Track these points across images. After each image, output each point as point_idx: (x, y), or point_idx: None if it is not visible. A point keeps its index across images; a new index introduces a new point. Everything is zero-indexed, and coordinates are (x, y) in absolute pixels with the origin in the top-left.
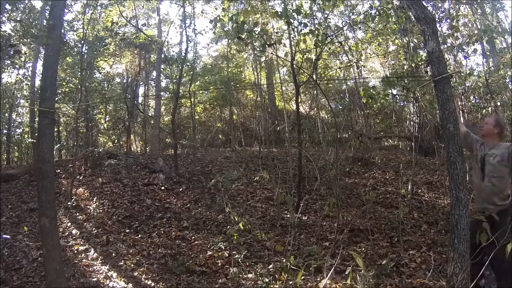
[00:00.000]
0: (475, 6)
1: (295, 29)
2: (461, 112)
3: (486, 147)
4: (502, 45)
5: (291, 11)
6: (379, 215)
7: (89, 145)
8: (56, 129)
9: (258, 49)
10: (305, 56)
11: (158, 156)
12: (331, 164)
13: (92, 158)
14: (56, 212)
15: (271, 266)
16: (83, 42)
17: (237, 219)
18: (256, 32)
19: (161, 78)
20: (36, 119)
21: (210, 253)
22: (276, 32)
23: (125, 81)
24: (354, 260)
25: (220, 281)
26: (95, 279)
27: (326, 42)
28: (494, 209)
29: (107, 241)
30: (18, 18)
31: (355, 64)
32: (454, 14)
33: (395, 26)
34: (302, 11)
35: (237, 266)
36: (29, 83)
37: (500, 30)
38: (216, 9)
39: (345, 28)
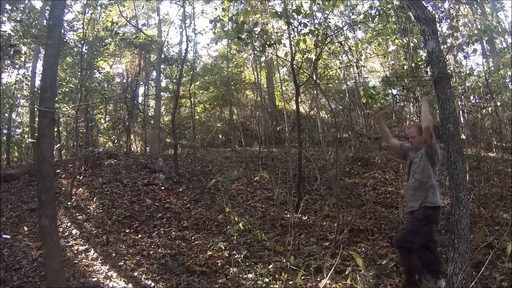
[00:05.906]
0: (475, 6)
1: (295, 29)
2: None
3: (415, 152)
4: (502, 45)
5: (291, 11)
6: (379, 215)
7: (89, 145)
8: (56, 129)
9: (258, 49)
10: (305, 56)
11: (158, 156)
12: (331, 164)
13: (92, 158)
14: (56, 212)
15: (271, 266)
16: (83, 42)
17: (237, 219)
18: (256, 32)
19: (161, 78)
20: (36, 119)
21: (210, 253)
22: (276, 32)
23: (124, 81)
24: (354, 260)
25: (220, 281)
26: (95, 279)
27: (326, 42)
28: (417, 206)
29: (107, 241)
30: (18, 18)
31: (355, 64)
32: (454, 14)
33: (395, 26)
34: (302, 11)
35: (237, 266)
36: (29, 83)
37: (500, 30)
38: (216, 9)
39: (345, 28)
